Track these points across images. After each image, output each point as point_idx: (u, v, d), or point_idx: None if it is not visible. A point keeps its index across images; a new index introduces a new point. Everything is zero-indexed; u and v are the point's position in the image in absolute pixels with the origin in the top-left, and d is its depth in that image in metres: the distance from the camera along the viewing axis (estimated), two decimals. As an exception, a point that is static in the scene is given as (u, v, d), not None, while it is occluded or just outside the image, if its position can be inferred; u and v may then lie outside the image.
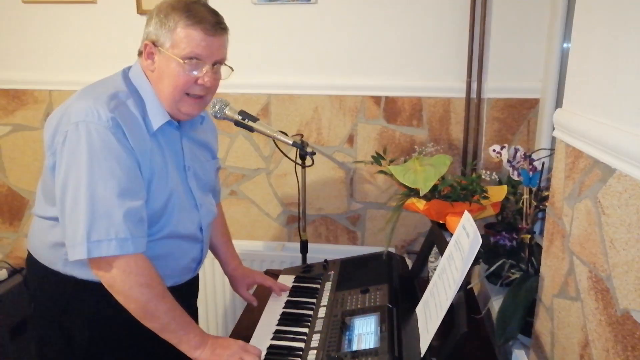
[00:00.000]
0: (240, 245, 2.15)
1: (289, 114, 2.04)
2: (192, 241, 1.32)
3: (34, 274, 1.29)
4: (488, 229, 1.78)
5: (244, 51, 2.00)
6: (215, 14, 1.19)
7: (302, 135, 1.80)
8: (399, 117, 1.99)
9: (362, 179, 2.07)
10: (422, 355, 1.10)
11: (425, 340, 1.13)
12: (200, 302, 2.16)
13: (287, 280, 1.63)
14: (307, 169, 2.04)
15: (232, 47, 2.06)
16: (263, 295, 1.56)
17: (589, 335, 0.89)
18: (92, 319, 1.24)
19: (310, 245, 2.09)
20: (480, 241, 1.05)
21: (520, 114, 1.90)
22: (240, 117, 1.24)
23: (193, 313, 1.49)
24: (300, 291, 1.55)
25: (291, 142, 1.27)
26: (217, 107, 1.22)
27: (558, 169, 1.07)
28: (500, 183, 1.73)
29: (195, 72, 1.16)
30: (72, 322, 1.22)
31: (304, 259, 1.92)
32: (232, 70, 1.24)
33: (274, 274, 1.71)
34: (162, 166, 1.20)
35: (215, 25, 1.16)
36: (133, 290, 1.11)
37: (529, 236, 1.30)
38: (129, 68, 1.24)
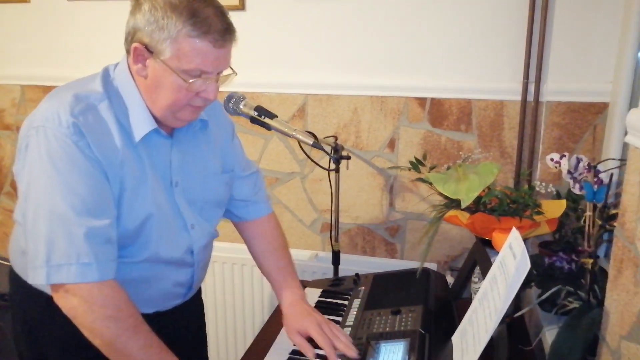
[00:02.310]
0: (271, 252, 2.05)
1: (327, 115, 1.91)
2: (178, 266, 1.16)
3: (11, 282, 1.19)
4: (543, 248, 1.57)
5: (280, 48, 1.90)
6: (222, 13, 0.99)
7: (336, 138, 1.68)
8: (446, 120, 1.81)
9: (403, 186, 1.91)
10: (454, 395, 0.94)
11: (459, 377, 0.97)
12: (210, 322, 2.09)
13: (314, 294, 1.51)
14: (344, 174, 1.91)
15: (269, 45, 1.99)
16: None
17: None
18: (64, 341, 1.11)
19: (344, 256, 1.96)
20: (529, 265, 0.88)
21: (585, 119, 1.68)
22: (256, 114, 1.12)
23: (190, 341, 1.34)
24: (325, 307, 1.41)
25: (311, 142, 1.13)
26: (231, 101, 1.11)
27: (631, 182, 0.88)
28: (558, 197, 1.53)
29: (200, 88, 1.01)
30: (45, 341, 1.10)
31: (336, 270, 1.79)
32: (235, 74, 1.08)
33: (302, 285, 1.59)
34: (140, 181, 1.04)
35: (225, 33, 0.98)
36: (97, 323, 0.96)
37: (591, 261, 1.10)
38: (115, 66, 1.08)
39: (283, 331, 1.31)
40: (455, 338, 1.12)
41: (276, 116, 1.13)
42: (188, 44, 0.95)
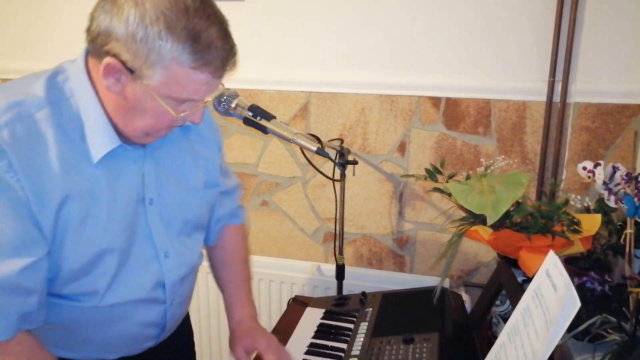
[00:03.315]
0: (270, 263, 1.90)
1: (331, 115, 1.76)
2: (146, 304, 0.97)
3: None
4: (569, 264, 1.41)
5: (281, 42, 1.74)
6: (226, 32, 0.81)
7: (342, 141, 1.52)
8: (462, 122, 1.65)
9: (413, 194, 1.75)
10: None
11: None
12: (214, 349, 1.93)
13: (316, 314, 1.35)
14: (350, 180, 1.75)
15: (269, 38, 1.83)
16: (285, 330, 1.28)
17: None
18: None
19: (349, 270, 1.80)
20: (579, 304, 0.72)
21: (618, 123, 1.52)
22: (250, 114, 0.96)
23: None
24: (328, 332, 1.26)
25: (314, 149, 0.98)
26: (222, 100, 0.95)
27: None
28: (588, 210, 1.37)
29: (188, 115, 0.85)
30: None
31: (340, 287, 1.63)
32: (223, 86, 0.92)
33: (302, 303, 1.43)
34: (93, 208, 0.86)
35: (227, 60, 0.82)
36: None
37: (638, 290, 0.94)
38: (71, 63, 0.88)
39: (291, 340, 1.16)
40: (479, 377, 0.97)
41: (274, 117, 0.97)
42: (183, 74, 0.78)
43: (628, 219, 1.14)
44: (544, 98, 1.55)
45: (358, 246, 1.85)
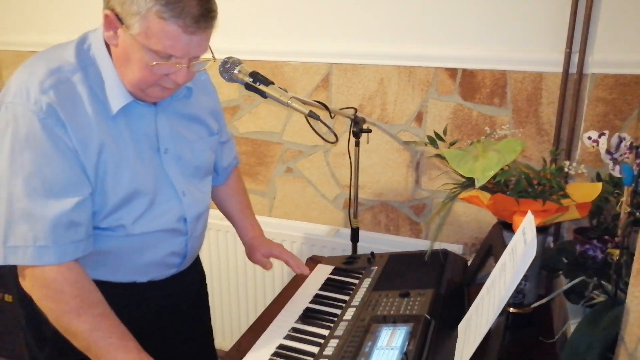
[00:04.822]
0: (292, 226, 2.02)
1: (351, 86, 1.83)
2: (171, 235, 1.13)
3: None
4: (578, 234, 1.44)
5: (304, 15, 1.81)
6: None
7: (355, 110, 1.60)
8: (478, 93, 1.68)
9: (430, 163, 1.81)
10: (448, 387, 0.88)
11: (456, 369, 0.90)
12: (224, 299, 2.08)
13: (326, 271, 1.46)
14: (369, 149, 1.83)
15: (292, 11, 1.90)
16: (294, 285, 1.40)
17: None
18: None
19: (367, 234, 1.91)
20: (534, 252, 0.79)
21: (636, 94, 1.51)
22: (250, 80, 1.07)
23: (190, 309, 1.32)
24: (333, 285, 1.37)
25: (306, 112, 1.06)
26: (226, 67, 1.05)
27: (662, 163, 0.76)
28: (599, 180, 1.39)
29: (167, 70, 0.96)
30: (40, 323, 1.07)
31: (354, 248, 1.73)
32: (214, 60, 1.02)
33: (316, 261, 1.55)
34: (121, 154, 1.01)
35: (199, 19, 0.91)
36: (41, 303, 0.97)
37: (617, 251, 0.99)
38: (93, 32, 1.03)
39: (286, 307, 1.28)
40: (461, 326, 1.05)
41: (272, 83, 1.07)
42: (157, 25, 0.89)
43: (625, 188, 1.17)
44: (560, 69, 1.56)
45: (376, 212, 1.93)
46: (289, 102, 1.08)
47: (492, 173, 1.05)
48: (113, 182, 1.01)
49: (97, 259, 1.06)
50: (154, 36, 0.90)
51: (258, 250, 1.37)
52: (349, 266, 1.47)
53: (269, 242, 1.39)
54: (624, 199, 1.16)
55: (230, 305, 2.13)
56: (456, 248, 1.79)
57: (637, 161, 1.20)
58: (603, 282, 1.09)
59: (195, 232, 1.19)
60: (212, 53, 1.00)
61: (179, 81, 0.98)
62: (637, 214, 0.98)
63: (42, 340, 1.13)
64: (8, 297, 2.24)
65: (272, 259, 1.38)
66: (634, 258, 0.83)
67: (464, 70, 1.68)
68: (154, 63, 0.93)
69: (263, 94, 1.08)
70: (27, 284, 0.98)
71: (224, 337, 2.17)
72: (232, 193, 1.40)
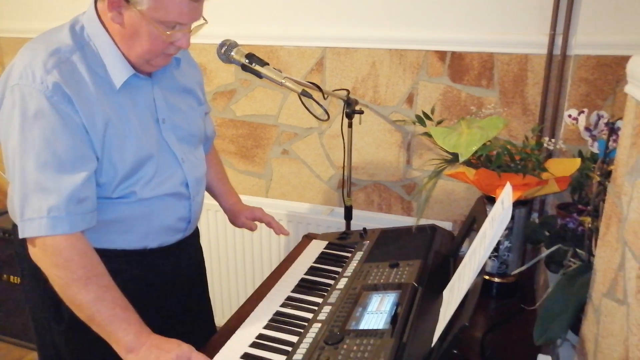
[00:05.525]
0: (288, 206, 2.09)
1: (344, 69, 1.88)
2: (176, 199, 1.21)
3: (16, 235, 1.22)
4: (561, 209, 1.52)
5: (299, 0, 1.86)
6: None
7: (348, 91, 1.65)
8: (466, 75, 1.75)
9: (420, 144, 1.88)
10: (432, 344, 0.95)
11: (439, 328, 0.97)
12: (223, 277, 2.16)
13: (320, 246, 1.53)
14: (361, 130, 1.89)
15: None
16: (290, 260, 1.47)
17: (630, 352, 0.68)
18: None
19: (360, 213, 1.97)
20: (509, 216, 0.86)
21: (616, 74, 1.57)
22: (247, 61, 1.13)
23: (191, 279, 1.39)
24: (327, 258, 1.44)
25: (299, 91, 1.13)
26: (223, 49, 1.11)
27: (625, 134, 0.83)
28: (581, 156, 1.46)
29: (175, 39, 1.05)
30: (59, 301, 1.11)
31: (348, 226, 1.80)
32: (206, 22, 1.10)
33: (311, 238, 1.62)
34: (125, 126, 1.08)
35: None
36: (49, 271, 1.03)
37: (588, 219, 1.06)
38: (82, 15, 1.10)
39: (282, 278, 1.35)
40: (445, 292, 1.12)
41: (267, 64, 1.13)
42: None
43: (599, 161, 1.23)
44: (545, 51, 1.62)
45: (369, 192, 2.00)
46: (283, 81, 1.14)
47: (474, 148, 1.12)
48: (120, 154, 1.07)
49: (111, 228, 1.13)
50: (162, 8, 0.98)
51: (242, 213, 1.47)
52: (342, 241, 1.54)
53: (249, 207, 1.50)
54: (596, 172, 1.23)
55: (229, 284, 2.20)
56: (446, 225, 1.86)
57: (613, 137, 1.27)
58: (578, 250, 1.17)
59: (197, 197, 1.27)
60: (204, 18, 1.08)
61: (184, 46, 1.06)
62: (607, 182, 1.05)
63: (59, 316, 1.18)
64: (14, 279, 2.32)
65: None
66: (601, 223, 0.91)
67: (453, 53, 1.74)
68: (168, 32, 1.01)
69: (259, 75, 1.14)
70: (38, 252, 1.04)
71: (223, 315, 2.25)
72: (210, 164, 1.46)
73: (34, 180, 0.99)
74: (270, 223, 1.44)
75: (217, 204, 1.53)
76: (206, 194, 1.42)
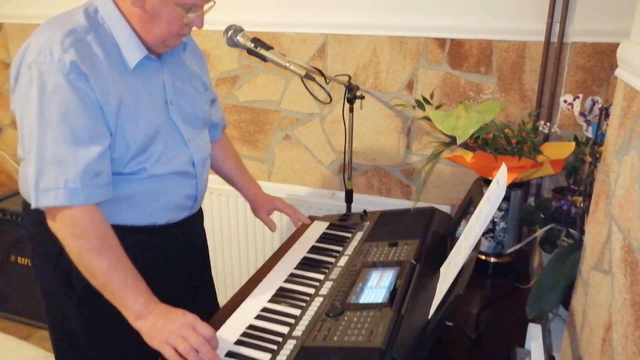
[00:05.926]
0: (290, 190, 2.13)
1: (346, 55, 1.92)
2: (184, 177, 1.26)
3: (27, 215, 1.28)
4: (556, 193, 1.56)
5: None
6: None
7: (349, 77, 1.69)
8: (465, 62, 1.78)
9: (420, 129, 1.92)
10: (429, 316, 1.00)
11: (436, 301, 1.02)
12: (226, 260, 2.21)
13: (321, 227, 1.58)
14: (362, 116, 1.93)
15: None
16: (292, 240, 1.52)
17: (613, 317, 0.73)
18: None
19: (361, 197, 2.01)
20: (503, 194, 0.90)
21: (612, 61, 1.61)
22: (252, 45, 1.17)
23: (196, 259, 1.44)
24: (329, 238, 1.49)
25: (303, 74, 1.17)
26: (229, 33, 1.15)
27: (614, 116, 0.87)
28: (576, 141, 1.50)
29: (193, 20, 1.11)
30: (68, 264, 1.15)
31: (349, 208, 1.84)
32: (214, 3, 1.14)
33: (313, 220, 1.66)
34: (137, 104, 1.13)
35: None
36: (66, 240, 1.07)
37: (580, 199, 1.10)
38: None
39: (285, 256, 1.40)
40: (442, 268, 1.17)
41: (272, 48, 1.18)
42: None
43: (590, 142, 1.28)
44: (542, 38, 1.65)
45: (369, 177, 2.05)
46: (287, 64, 1.18)
47: (472, 131, 1.16)
48: (132, 131, 1.12)
49: (122, 204, 1.18)
50: None
51: (264, 206, 1.54)
52: (343, 222, 1.59)
53: (270, 197, 1.57)
54: (587, 154, 1.27)
55: (232, 265, 2.25)
56: (444, 208, 1.90)
57: (606, 122, 1.31)
58: (571, 230, 1.22)
59: (202, 176, 1.32)
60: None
61: (199, 26, 1.13)
62: (598, 163, 1.09)
63: (71, 291, 1.23)
64: (22, 260, 2.37)
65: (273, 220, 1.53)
66: (591, 200, 0.95)
67: (453, 40, 1.77)
68: (189, 15, 1.07)
69: (264, 58, 1.18)
70: (57, 224, 1.08)
71: (226, 297, 2.30)
72: (228, 156, 1.53)
73: (52, 153, 1.03)
74: (291, 215, 1.52)
75: (220, 187, 1.59)
76: (210, 176, 1.47)
